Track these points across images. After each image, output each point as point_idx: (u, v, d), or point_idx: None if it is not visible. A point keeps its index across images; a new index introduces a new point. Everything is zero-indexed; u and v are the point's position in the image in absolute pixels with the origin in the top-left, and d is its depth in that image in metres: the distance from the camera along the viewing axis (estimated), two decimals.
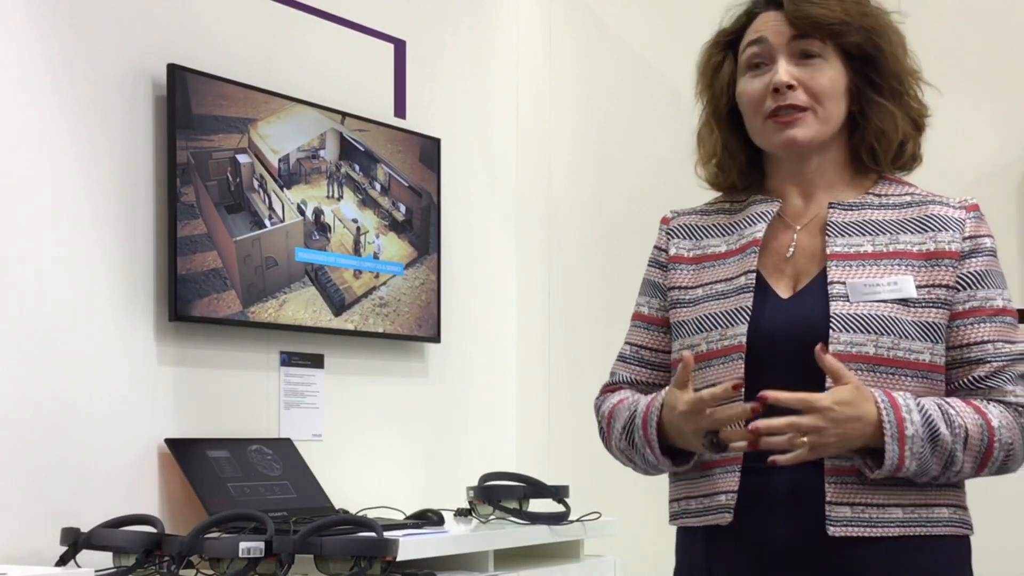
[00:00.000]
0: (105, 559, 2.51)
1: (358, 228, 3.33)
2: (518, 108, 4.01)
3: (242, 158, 3.05)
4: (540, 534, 3.15)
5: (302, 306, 3.16)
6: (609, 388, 2.01)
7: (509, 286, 3.97)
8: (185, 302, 2.89)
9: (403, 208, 3.47)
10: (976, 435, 1.76)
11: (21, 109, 2.65)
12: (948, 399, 1.79)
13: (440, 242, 3.58)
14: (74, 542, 2.51)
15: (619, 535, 3.37)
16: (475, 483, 3.24)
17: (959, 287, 1.82)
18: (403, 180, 3.47)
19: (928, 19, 3.43)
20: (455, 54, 3.78)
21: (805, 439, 1.69)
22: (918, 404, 1.75)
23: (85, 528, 2.53)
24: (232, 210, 3.01)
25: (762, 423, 1.70)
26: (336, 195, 3.28)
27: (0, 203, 2.60)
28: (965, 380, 1.82)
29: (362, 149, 3.36)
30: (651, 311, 1.98)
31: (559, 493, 3.24)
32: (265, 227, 3.09)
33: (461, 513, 3.23)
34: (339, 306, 3.27)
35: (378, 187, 3.40)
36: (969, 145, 3.36)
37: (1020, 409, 1.81)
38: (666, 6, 3.85)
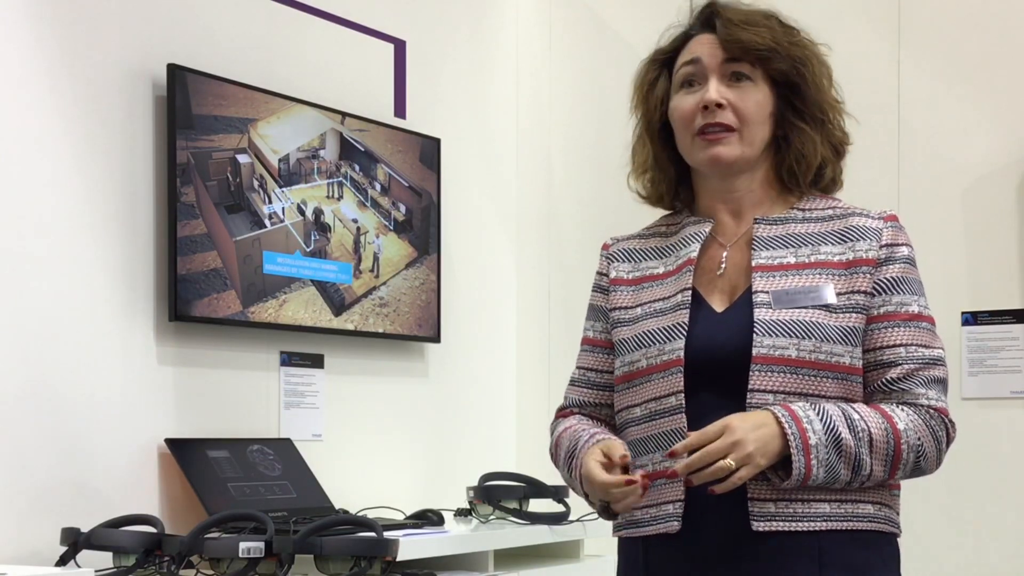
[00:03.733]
0: (105, 559, 2.51)
1: (358, 228, 3.33)
2: (518, 108, 4.01)
3: (242, 158, 3.05)
4: (540, 534, 3.15)
5: (302, 306, 3.16)
6: (562, 412, 2.09)
7: (509, 286, 3.97)
8: (185, 302, 2.89)
9: (403, 208, 3.47)
10: (881, 438, 1.82)
11: (21, 109, 2.65)
12: (853, 404, 1.85)
13: (440, 242, 3.58)
14: (74, 542, 2.51)
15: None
16: (475, 483, 3.24)
17: (875, 292, 1.89)
18: (403, 180, 3.48)
19: (928, 20, 3.43)
20: (455, 54, 3.78)
21: (730, 460, 1.76)
22: (818, 412, 1.81)
23: (85, 528, 2.54)
24: (232, 210, 3.01)
25: (680, 467, 1.78)
26: (336, 195, 3.28)
27: (0, 203, 2.60)
28: (879, 383, 1.88)
29: (362, 149, 3.36)
30: (595, 334, 2.06)
31: (559, 493, 3.25)
32: (265, 227, 3.09)
33: (461, 513, 3.23)
34: (339, 306, 3.27)
35: (378, 187, 3.40)
36: (969, 145, 3.36)
37: (931, 411, 1.86)
38: (665, 6, 3.84)
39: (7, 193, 2.61)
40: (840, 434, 1.80)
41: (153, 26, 2.91)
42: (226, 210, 3.00)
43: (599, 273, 2.10)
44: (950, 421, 1.89)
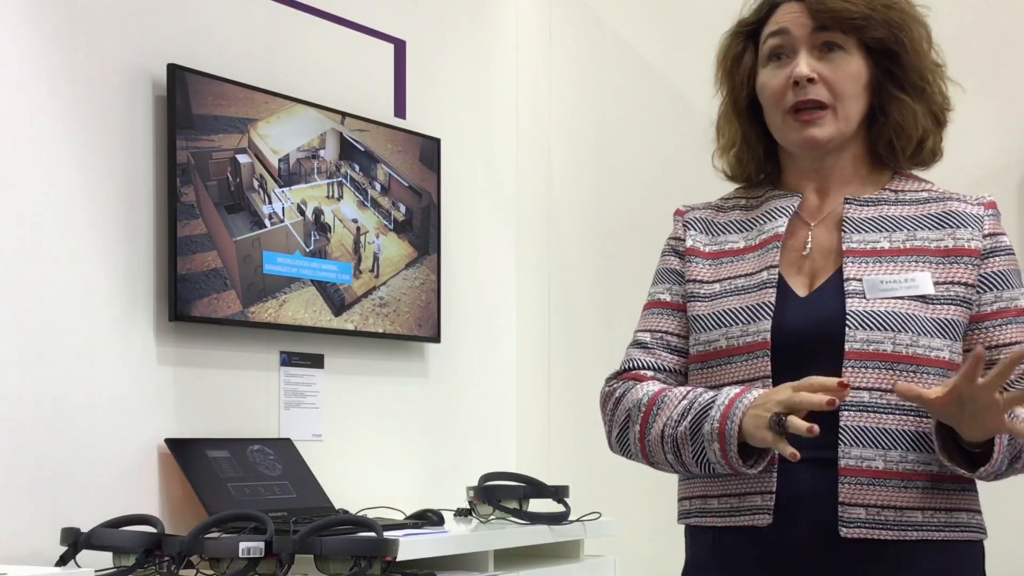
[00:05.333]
0: (105, 559, 2.51)
1: (358, 228, 3.33)
2: (518, 108, 4.01)
3: (242, 158, 3.05)
4: (540, 534, 3.15)
5: (302, 306, 3.16)
6: (629, 375, 1.88)
7: (509, 286, 3.97)
8: (185, 302, 2.89)
9: (403, 208, 3.47)
10: None
11: (21, 109, 2.65)
12: None
13: (440, 242, 3.58)
14: (74, 542, 2.51)
15: (619, 535, 3.37)
16: (475, 483, 3.24)
17: (984, 288, 1.80)
18: (403, 180, 3.47)
19: (928, 20, 3.43)
20: (455, 54, 3.78)
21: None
22: None
23: (85, 528, 2.53)
24: (232, 210, 3.01)
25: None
26: (336, 195, 3.28)
27: (0, 203, 2.60)
28: None
29: (362, 149, 3.36)
30: (673, 297, 1.90)
31: (559, 493, 3.24)
32: (265, 227, 3.09)
33: (461, 513, 3.23)
34: (339, 306, 3.27)
35: (378, 187, 3.40)
36: (969, 145, 3.35)
37: None
38: (665, 6, 3.86)
39: (7, 193, 2.61)
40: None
41: (153, 26, 2.91)
42: (226, 210, 3.00)
43: (674, 238, 1.93)
44: None
